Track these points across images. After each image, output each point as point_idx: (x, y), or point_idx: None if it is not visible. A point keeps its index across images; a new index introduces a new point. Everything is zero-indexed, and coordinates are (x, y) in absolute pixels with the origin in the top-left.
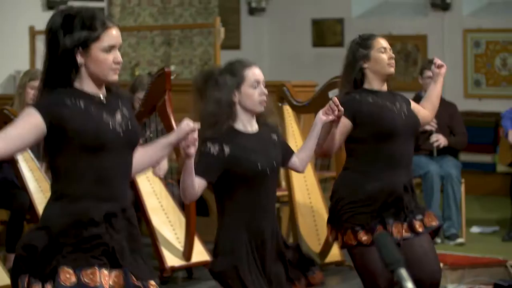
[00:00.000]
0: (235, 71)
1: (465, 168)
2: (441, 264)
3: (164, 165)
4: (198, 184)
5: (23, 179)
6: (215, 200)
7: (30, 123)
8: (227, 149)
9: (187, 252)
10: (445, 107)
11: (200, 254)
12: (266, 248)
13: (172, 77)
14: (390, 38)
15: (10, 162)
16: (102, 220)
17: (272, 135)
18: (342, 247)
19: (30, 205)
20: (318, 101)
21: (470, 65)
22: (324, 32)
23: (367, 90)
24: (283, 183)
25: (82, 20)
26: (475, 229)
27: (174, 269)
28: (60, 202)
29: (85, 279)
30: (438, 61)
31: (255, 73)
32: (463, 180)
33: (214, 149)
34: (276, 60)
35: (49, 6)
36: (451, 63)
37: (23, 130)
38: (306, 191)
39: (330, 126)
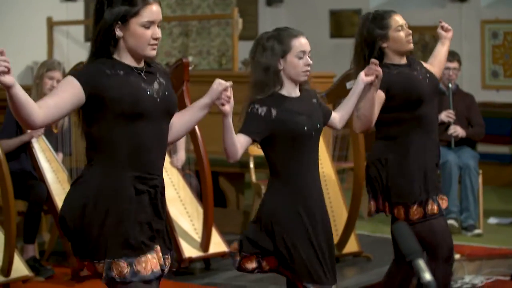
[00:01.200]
0: (282, 39)
1: (482, 159)
2: (459, 255)
3: (181, 156)
4: (242, 141)
5: (41, 170)
6: (268, 163)
7: (69, 92)
8: (274, 112)
9: (205, 243)
10: (462, 98)
11: (217, 245)
12: (313, 212)
13: (190, 68)
14: None
15: (28, 153)
16: (134, 195)
17: (312, 99)
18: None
19: (47, 196)
20: (336, 92)
21: (488, 56)
22: (342, 23)
23: (389, 64)
24: None
25: None
26: (492, 220)
27: (191, 260)
28: (97, 170)
29: (138, 268)
30: (445, 24)
31: (302, 43)
32: (480, 171)
33: (261, 110)
34: None
35: None
36: (469, 54)
37: (62, 99)
38: (324, 182)
39: (371, 97)
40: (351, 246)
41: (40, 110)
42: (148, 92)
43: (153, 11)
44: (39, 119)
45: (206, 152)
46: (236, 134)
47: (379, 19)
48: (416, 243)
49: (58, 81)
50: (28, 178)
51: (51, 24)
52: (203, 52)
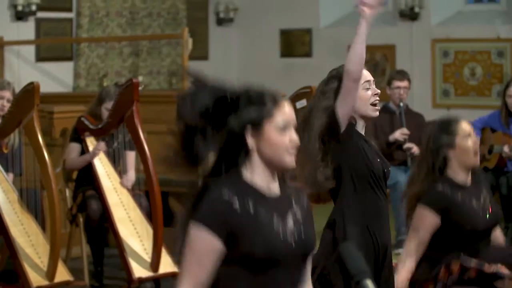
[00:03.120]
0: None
1: None
2: None
3: (131, 176)
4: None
5: None
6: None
7: (211, 253)
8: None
9: (155, 263)
10: (413, 118)
11: (167, 265)
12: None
13: (140, 88)
14: None
15: None
16: None
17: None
18: None
19: None
20: None
21: (439, 75)
22: (292, 43)
23: (453, 183)
24: None
25: (248, 95)
26: None
27: (141, 280)
28: None
29: None
30: None
31: (364, 74)
32: None
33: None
34: (244, 71)
35: (18, 16)
36: (420, 73)
37: (209, 265)
38: None
39: None
40: None
41: None
42: (282, 237)
43: (286, 111)
44: None
45: (156, 172)
46: None
47: (446, 124)
48: (364, 263)
49: (8, 100)
50: None
51: (2, 44)
52: (153, 72)
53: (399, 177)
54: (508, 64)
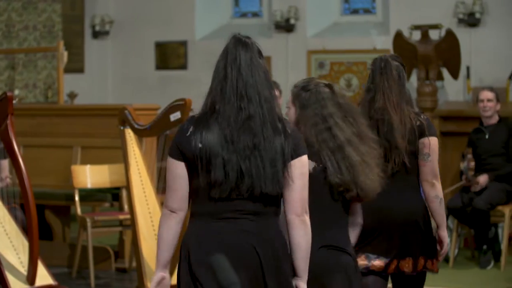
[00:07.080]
0: None
1: None
2: None
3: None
4: None
5: None
6: None
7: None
8: None
9: (31, 276)
10: None
11: (43, 277)
12: None
13: (15, 101)
14: None
15: None
16: None
17: None
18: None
19: None
20: (159, 124)
21: None
22: (168, 55)
23: None
24: (126, 207)
25: None
26: None
27: None
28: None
29: None
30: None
31: None
32: None
33: None
34: (119, 83)
35: None
36: None
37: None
38: (148, 214)
39: None
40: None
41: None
42: None
43: None
44: None
45: (31, 185)
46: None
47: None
48: (235, 275)
49: None
50: None
51: None
52: (29, 85)
53: None
54: None
